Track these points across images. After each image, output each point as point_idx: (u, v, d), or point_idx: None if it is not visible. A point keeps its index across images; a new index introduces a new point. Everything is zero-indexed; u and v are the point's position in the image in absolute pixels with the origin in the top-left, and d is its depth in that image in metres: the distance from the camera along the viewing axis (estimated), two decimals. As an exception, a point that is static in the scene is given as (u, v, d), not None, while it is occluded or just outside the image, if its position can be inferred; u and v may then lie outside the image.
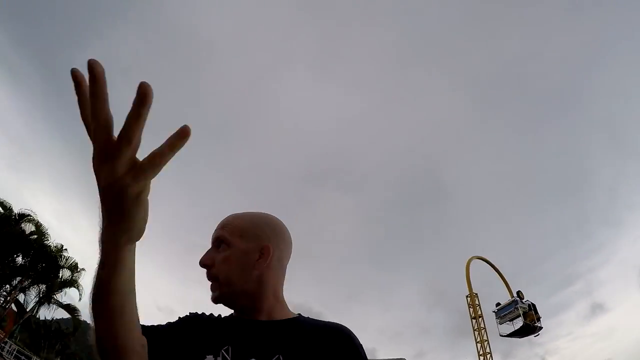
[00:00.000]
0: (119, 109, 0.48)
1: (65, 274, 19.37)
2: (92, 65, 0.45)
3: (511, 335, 25.51)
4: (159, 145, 0.50)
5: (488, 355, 24.96)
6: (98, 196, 0.53)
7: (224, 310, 0.94)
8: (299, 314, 0.95)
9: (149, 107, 0.47)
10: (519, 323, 25.12)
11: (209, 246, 0.92)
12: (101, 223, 0.56)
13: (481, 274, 30.26)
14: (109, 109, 0.48)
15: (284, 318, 0.90)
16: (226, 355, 0.80)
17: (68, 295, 20.45)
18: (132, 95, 0.46)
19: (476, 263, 29.64)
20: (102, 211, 0.55)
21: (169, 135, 0.50)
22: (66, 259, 19.38)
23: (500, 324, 25.84)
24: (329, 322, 0.91)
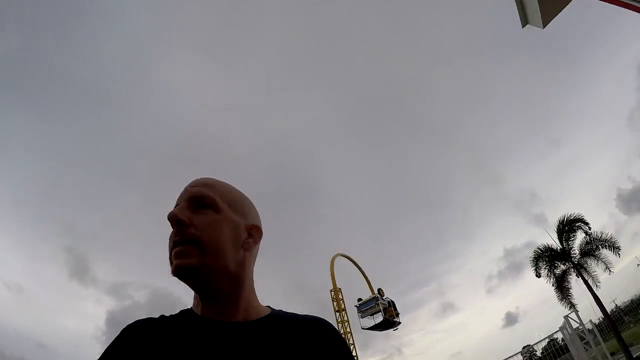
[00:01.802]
0: None
1: None
2: None
3: (372, 328, 25.89)
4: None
5: (351, 346, 25.16)
6: None
7: (171, 305, 0.77)
8: (268, 306, 0.84)
9: None
10: (379, 318, 26.33)
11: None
12: None
13: (345, 271, 30.51)
14: None
15: (260, 316, 0.78)
16: None
17: None
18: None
19: (340, 260, 29.49)
20: None
21: None
22: None
23: (362, 317, 26.09)
24: (307, 316, 0.82)
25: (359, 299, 26.71)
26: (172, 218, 0.71)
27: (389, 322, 25.23)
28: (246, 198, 0.84)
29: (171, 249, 0.71)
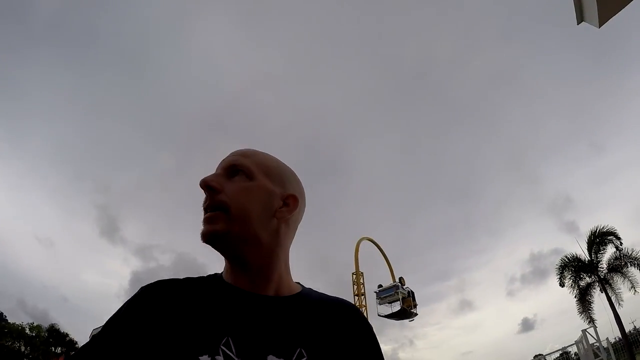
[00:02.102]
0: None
1: None
2: None
3: (388, 316, 26.08)
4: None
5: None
6: None
7: (195, 270, 0.72)
8: (298, 283, 0.81)
9: None
10: (397, 306, 26.32)
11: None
12: None
13: (369, 254, 30.73)
14: None
15: (292, 293, 0.75)
16: (229, 353, 0.60)
17: None
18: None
19: (365, 244, 29.48)
20: None
21: None
22: None
23: (380, 304, 26.38)
24: (337, 299, 0.81)
25: (379, 285, 26.96)
26: (203, 184, 0.70)
27: (406, 312, 25.33)
28: (287, 168, 0.81)
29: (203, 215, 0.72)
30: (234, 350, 0.60)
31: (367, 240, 29.61)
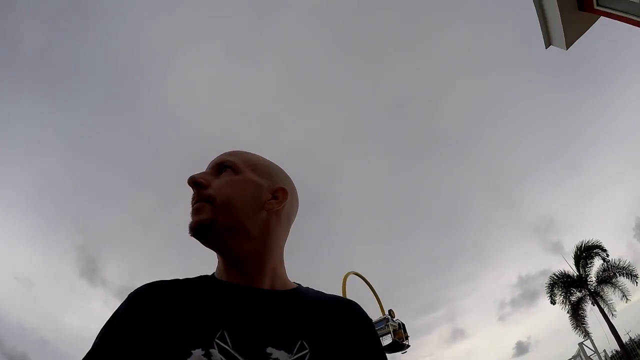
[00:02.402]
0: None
1: None
2: None
3: None
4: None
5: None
6: None
7: (195, 267, 0.79)
8: (295, 282, 0.79)
9: None
10: (388, 340, 24.89)
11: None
12: None
13: (356, 289, 29.54)
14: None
15: (287, 288, 0.74)
16: (224, 346, 0.59)
17: None
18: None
19: (352, 278, 28.86)
20: None
21: None
22: None
23: None
24: (336, 296, 0.79)
25: (369, 319, 26.36)
26: (191, 181, 0.71)
27: (398, 344, 24.22)
28: (275, 165, 0.82)
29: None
30: (229, 344, 0.59)
31: (353, 275, 29.18)
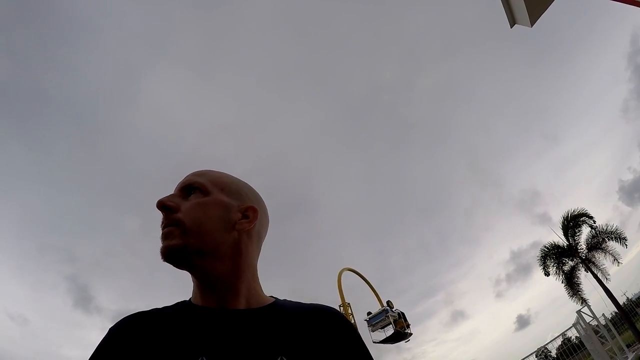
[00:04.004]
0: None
1: None
2: None
3: (384, 341, 25.40)
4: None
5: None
6: None
7: (170, 295, 0.82)
8: (272, 296, 0.79)
9: None
10: (390, 330, 25.51)
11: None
12: None
13: (353, 285, 30.02)
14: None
15: (263, 304, 0.74)
16: None
17: None
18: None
19: (348, 275, 29.00)
20: None
21: None
22: None
23: (373, 331, 25.68)
24: (313, 305, 0.78)
25: (369, 313, 26.38)
26: (159, 205, 0.70)
27: (400, 334, 24.81)
28: (244, 183, 0.82)
29: None
30: None
31: (348, 271, 29.24)
